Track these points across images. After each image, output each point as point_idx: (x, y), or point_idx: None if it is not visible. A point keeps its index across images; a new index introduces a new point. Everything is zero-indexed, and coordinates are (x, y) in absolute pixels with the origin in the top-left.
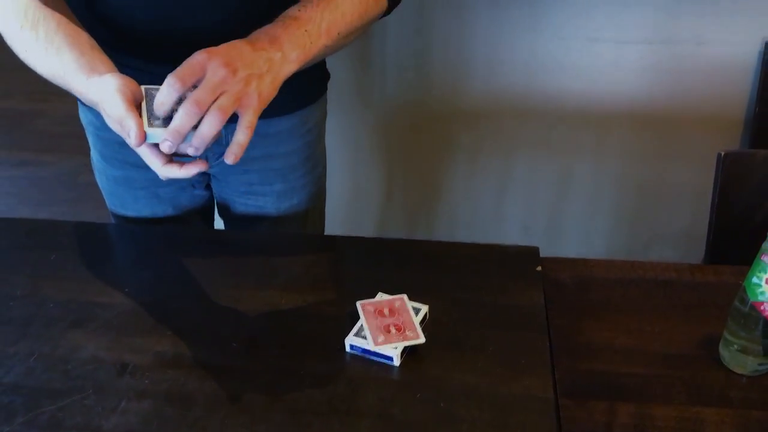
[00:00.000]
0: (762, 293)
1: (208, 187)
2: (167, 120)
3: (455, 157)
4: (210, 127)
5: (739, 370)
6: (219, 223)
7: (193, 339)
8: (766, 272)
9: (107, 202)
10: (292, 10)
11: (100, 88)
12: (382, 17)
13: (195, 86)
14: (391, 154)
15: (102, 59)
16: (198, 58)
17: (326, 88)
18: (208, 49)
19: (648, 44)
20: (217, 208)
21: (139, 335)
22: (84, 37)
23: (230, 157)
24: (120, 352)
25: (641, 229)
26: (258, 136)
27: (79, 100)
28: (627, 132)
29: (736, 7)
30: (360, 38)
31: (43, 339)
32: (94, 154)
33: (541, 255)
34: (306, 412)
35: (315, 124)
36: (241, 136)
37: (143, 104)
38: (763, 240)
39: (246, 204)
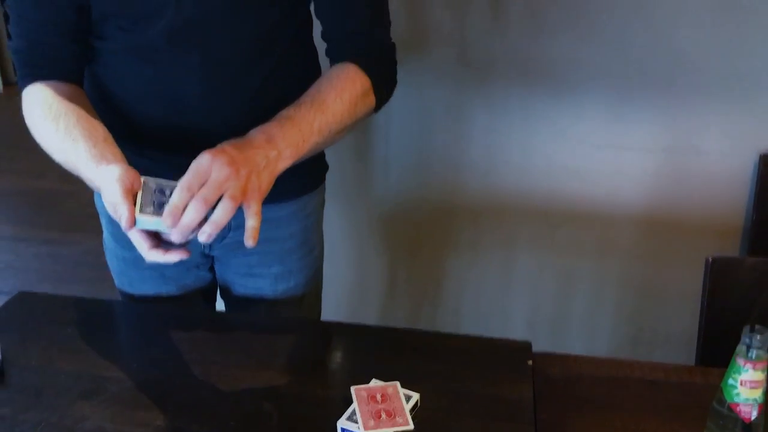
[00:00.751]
0: (738, 395)
1: (212, 269)
2: (159, 207)
3: (458, 252)
4: (223, 214)
5: None
6: (221, 304)
7: (192, 415)
8: (740, 374)
9: (116, 280)
10: (287, 111)
11: (104, 176)
12: (371, 114)
13: None
14: (394, 246)
15: (113, 151)
16: (203, 162)
17: (324, 179)
18: (211, 150)
19: (648, 152)
20: (219, 289)
21: (142, 409)
22: (99, 130)
23: (250, 241)
24: (122, 425)
25: (643, 328)
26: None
27: None
28: (629, 234)
29: (732, 119)
30: (365, 137)
31: (52, 408)
32: (106, 236)
33: (545, 351)
34: None
35: (312, 211)
36: (253, 221)
37: (139, 192)
38: (765, 347)
39: (245, 285)
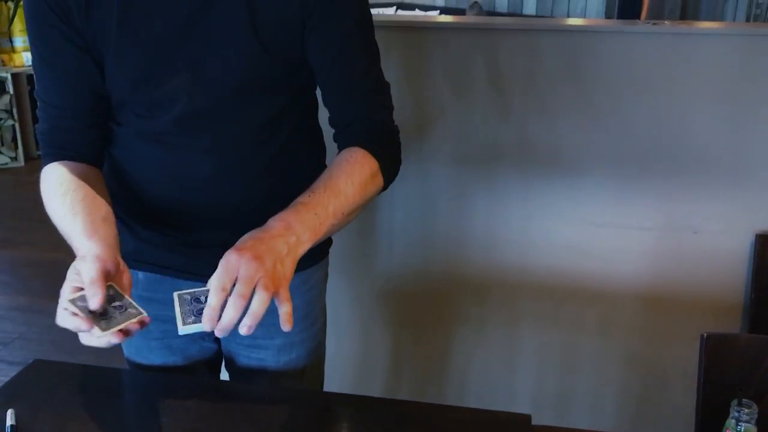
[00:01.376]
0: None
1: (217, 340)
2: (198, 314)
3: (462, 327)
4: (260, 305)
5: None
6: (224, 375)
7: None
8: None
9: (124, 349)
10: (302, 197)
11: (87, 249)
12: (380, 193)
13: None
14: (399, 320)
15: (108, 231)
16: (231, 260)
17: (328, 253)
18: (235, 248)
19: (647, 231)
20: (224, 360)
21: None
22: (102, 209)
23: (286, 326)
24: None
25: (647, 405)
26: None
27: None
28: (631, 311)
29: (728, 200)
30: (370, 214)
31: None
32: None
33: (545, 424)
34: None
35: (316, 284)
36: (285, 307)
37: (177, 308)
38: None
39: (249, 357)
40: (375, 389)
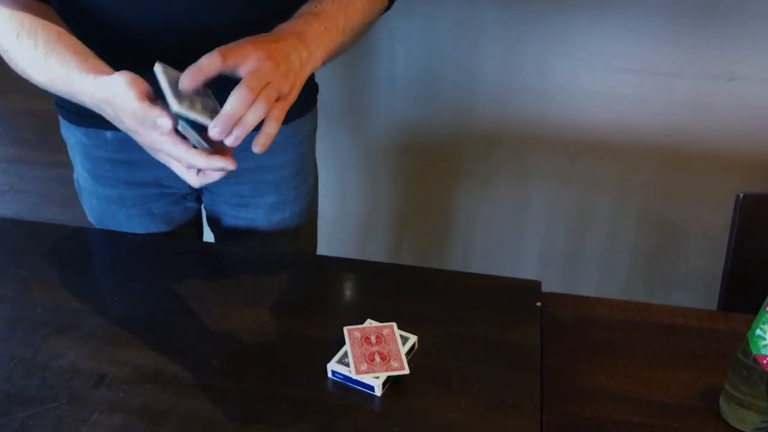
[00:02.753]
0: (765, 346)
1: (199, 199)
2: (191, 105)
3: (468, 184)
4: (255, 116)
5: (738, 426)
6: (208, 236)
7: (174, 354)
8: None
9: (94, 221)
10: (310, 6)
11: (110, 85)
12: (383, 13)
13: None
14: (401, 178)
15: (105, 65)
16: (246, 45)
17: (316, 101)
18: (252, 39)
19: (676, 77)
20: (207, 221)
21: (121, 346)
22: (83, 46)
23: (258, 147)
24: (99, 363)
25: (662, 268)
26: (249, 149)
27: (65, 118)
28: (652, 167)
29: None
30: (369, 58)
31: (26, 344)
32: (80, 174)
33: (558, 290)
34: None
35: (306, 136)
36: (272, 127)
37: (165, 86)
38: None
39: (237, 217)
40: (376, 251)
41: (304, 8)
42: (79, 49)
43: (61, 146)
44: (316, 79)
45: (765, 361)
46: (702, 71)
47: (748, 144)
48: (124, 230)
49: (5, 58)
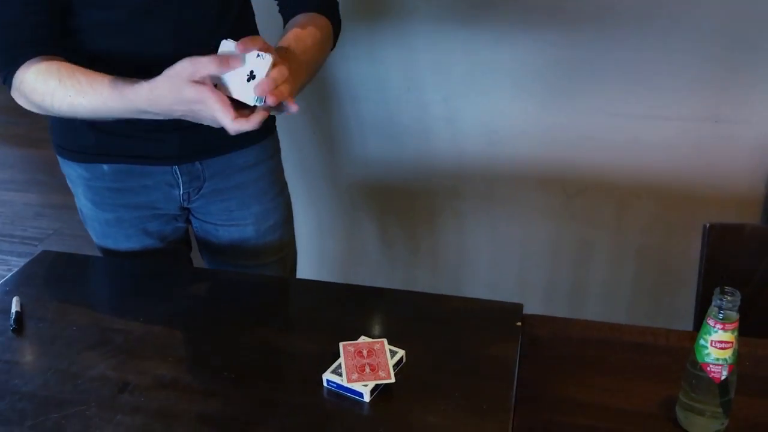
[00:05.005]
0: (708, 355)
1: (188, 220)
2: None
3: (476, 219)
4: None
5: (692, 430)
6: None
7: (190, 366)
8: (710, 334)
9: (97, 241)
10: (280, 48)
11: (161, 83)
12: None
13: None
14: (404, 215)
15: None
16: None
17: (275, 126)
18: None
19: (666, 120)
20: (198, 243)
21: (144, 359)
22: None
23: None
24: (124, 373)
25: (662, 300)
26: (231, 168)
27: (65, 157)
28: (647, 205)
29: (753, 88)
30: (354, 94)
31: (62, 357)
32: (83, 204)
33: (541, 316)
34: None
35: (273, 153)
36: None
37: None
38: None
39: (228, 231)
40: (394, 280)
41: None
42: (100, 75)
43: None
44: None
45: (708, 368)
46: (690, 114)
47: (733, 180)
48: (123, 248)
49: (49, 103)
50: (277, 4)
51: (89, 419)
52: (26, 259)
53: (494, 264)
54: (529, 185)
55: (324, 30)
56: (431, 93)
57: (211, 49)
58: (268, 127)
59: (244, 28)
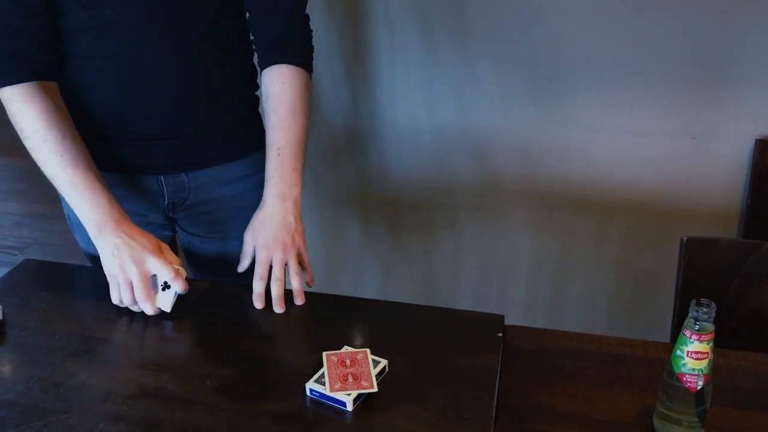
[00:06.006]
0: (684, 365)
1: (173, 229)
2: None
3: (453, 234)
4: (298, 279)
5: None
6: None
7: (173, 375)
8: (687, 345)
9: (83, 245)
10: (273, 157)
11: (140, 242)
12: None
13: None
14: (390, 227)
15: (105, 191)
16: (262, 255)
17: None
18: (260, 243)
19: (644, 135)
20: (184, 253)
21: (128, 368)
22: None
23: (298, 300)
24: (107, 381)
25: (640, 311)
26: (216, 181)
27: None
28: (626, 218)
29: (729, 105)
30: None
31: (44, 365)
32: (70, 210)
33: (522, 327)
34: None
35: (261, 168)
36: (296, 282)
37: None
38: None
39: (211, 244)
40: (369, 290)
41: (271, 161)
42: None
43: None
44: None
45: (685, 378)
46: (668, 130)
47: (711, 195)
48: None
49: (21, 137)
50: (255, 51)
51: (72, 427)
52: (7, 269)
53: (477, 276)
54: (510, 198)
55: (308, 93)
56: (415, 106)
57: (204, 64)
58: (257, 142)
59: (236, 36)
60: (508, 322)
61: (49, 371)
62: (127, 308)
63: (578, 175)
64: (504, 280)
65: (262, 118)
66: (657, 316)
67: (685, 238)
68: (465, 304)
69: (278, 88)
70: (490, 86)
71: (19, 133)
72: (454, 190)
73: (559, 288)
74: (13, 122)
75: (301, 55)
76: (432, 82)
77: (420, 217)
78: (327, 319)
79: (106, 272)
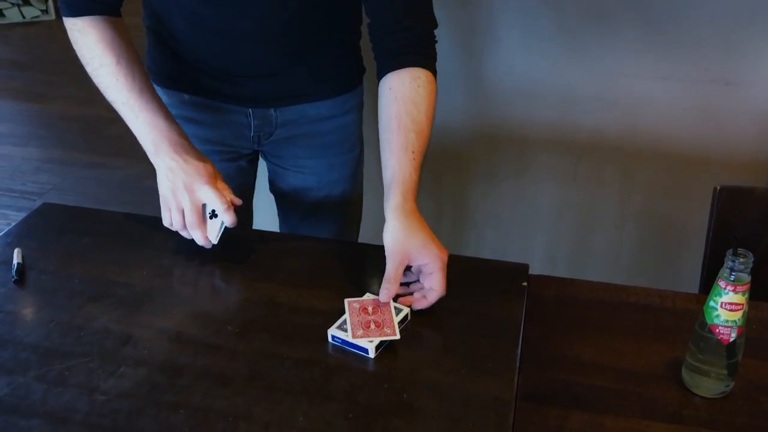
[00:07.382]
0: (717, 316)
1: (252, 162)
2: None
3: (476, 182)
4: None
5: (697, 392)
6: (262, 197)
7: (194, 320)
8: (721, 296)
9: None
10: (399, 167)
11: (199, 170)
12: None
13: None
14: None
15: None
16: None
17: (361, 81)
18: (401, 259)
19: (676, 82)
20: (269, 184)
21: (147, 313)
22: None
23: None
24: (127, 326)
25: (665, 264)
26: (303, 119)
27: (152, 81)
28: (653, 168)
29: (765, 48)
30: None
31: (64, 308)
32: None
33: (547, 276)
34: (280, 391)
35: (350, 110)
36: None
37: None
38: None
39: (295, 176)
40: None
41: (403, 173)
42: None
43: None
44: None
45: (717, 330)
46: (700, 76)
47: (744, 144)
48: None
49: (88, 69)
50: (374, 54)
51: (92, 371)
52: (26, 214)
53: (498, 225)
54: (535, 146)
55: (434, 97)
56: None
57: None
58: (348, 82)
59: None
60: (530, 272)
61: (70, 315)
62: (147, 252)
63: (604, 122)
64: (526, 230)
65: (380, 107)
66: (682, 269)
67: (718, 187)
68: (485, 253)
69: (413, 90)
70: (516, 30)
71: (81, 60)
72: (475, 138)
73: (582, 239)
74: (75, 48)
75: (433, 62)
76: (457, 22)
77: (440, 166)
78: (349, 265)
79: (160, 193)
